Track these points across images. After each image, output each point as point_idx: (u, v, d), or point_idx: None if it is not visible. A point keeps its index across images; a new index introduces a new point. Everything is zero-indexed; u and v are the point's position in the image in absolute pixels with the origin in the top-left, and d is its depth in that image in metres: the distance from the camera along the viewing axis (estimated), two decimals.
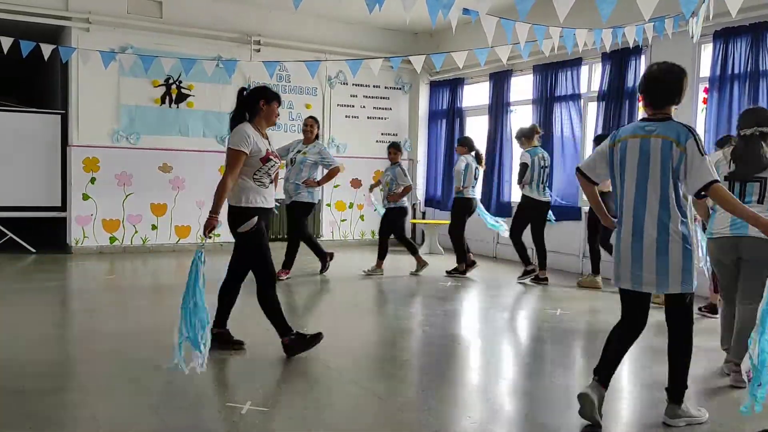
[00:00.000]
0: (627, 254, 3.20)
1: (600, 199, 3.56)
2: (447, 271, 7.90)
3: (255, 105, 4.27)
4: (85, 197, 8.89)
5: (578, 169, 3.50)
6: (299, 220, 7.12)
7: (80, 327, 5.32)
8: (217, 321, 4.44)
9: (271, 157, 4.19)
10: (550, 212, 7.70)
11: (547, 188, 7.53)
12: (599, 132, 7.95)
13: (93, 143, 8.89)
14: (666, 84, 3.22)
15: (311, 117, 7.23)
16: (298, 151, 7.05)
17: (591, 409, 3.20)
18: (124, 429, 3.10)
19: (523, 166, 7.38)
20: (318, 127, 7.17)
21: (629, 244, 3.19)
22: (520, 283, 7.47)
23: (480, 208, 8.09)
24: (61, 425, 3.17)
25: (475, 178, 7.79)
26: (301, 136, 7.28)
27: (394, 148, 7.94)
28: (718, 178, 3.11)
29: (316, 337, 4.32)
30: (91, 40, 8.52)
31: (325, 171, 7.15)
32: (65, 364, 4.21)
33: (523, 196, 7.50)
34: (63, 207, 8.94)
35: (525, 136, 7.53)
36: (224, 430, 3.09)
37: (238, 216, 4.18)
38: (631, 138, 3.21)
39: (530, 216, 7.51)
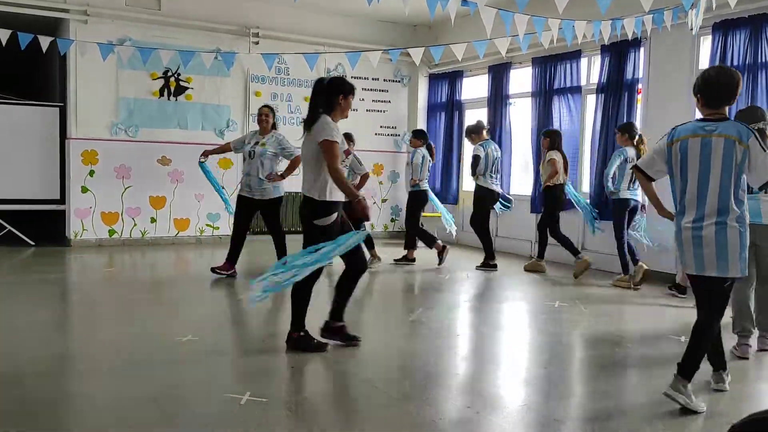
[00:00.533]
0: (689, 243, 3.48)
1: (655, 193, 3.80)
2: (395, 259, 8.23)
3: (333, 98, 4.25)
4: (84, 190, 8.88)
5: (636, 167, 3.80)
6: (275, 216, 6.85)
7: (80, 319, 5.33)
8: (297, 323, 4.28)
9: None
10: (500, 201, 8.20)
11: (497, 179, 7.98)
12: (598, 125, 7.96)
13: (91, 136, 8.88)
14: (723, 86, 3.46)
15: (266, 106, 6.92)
16: (256, 143, 6.73)
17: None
18: (123, 418, 3.11)
19: (476, 159, 7.81)
20: (274, 116, 6.87)
21: (691, 234, 3.47)
22: (479, 269, 7.85)
23: (433, 198, 8.56)
24: (60, 415, 3.19)
25: (429, 171, 8.23)
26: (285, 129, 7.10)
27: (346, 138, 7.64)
28: None
29: (319, 347, 4.27)
30: (89, 33, 8.50)
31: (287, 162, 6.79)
32: (65, 356, 4.21)
33: (478, 186, 7.92)
34: (62, 200, 8.94)
35: (473, 132, 8.04)
36: (223, 420, 3.10)
37: (321, 209, 4.12)
38: (691, 137, 3.49)
39: (487, 204, 7.92)
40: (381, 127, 11.09)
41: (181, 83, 9.34)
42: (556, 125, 8.60)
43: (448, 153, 10.67)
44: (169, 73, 9.24)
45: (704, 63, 6.93)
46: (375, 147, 10.91)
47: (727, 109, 3.51)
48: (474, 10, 4.38)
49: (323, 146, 4.03)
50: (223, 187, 7.73)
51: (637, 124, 7.58)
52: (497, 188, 7.98)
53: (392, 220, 11.27)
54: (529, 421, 3.26)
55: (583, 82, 8.42)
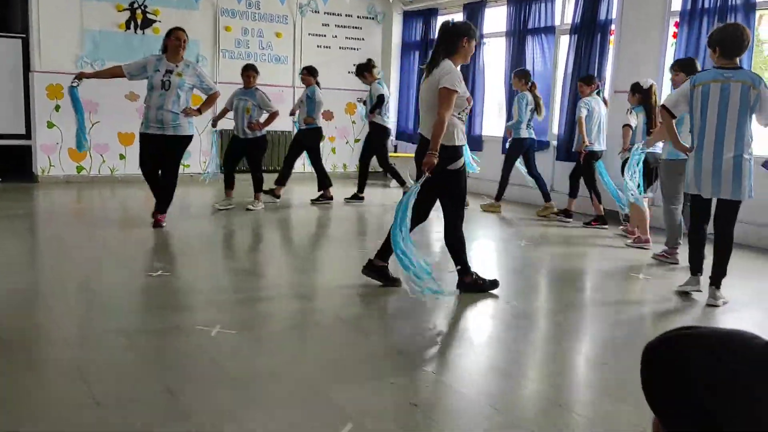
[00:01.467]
0: (708, 171, 4.09)
1: (674, 128, 4.41)
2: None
3: (457, 42, 4.09)
4: (50, 125, 8.70)
5: (663, 106, 4.39)
6: (180, 156, 6.14)
7: (49, 254, 5.32)
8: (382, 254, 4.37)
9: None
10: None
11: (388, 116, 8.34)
12: (570, 67, 7.96)
13: (56, 69, 8.64)
14: (738, 40, 4.03)
15: (179, 29, 6.02)
16: (169, 72, 5.83)
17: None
18: (94, 350, 3.17)
19: (381, 98, 7.95)
20: (186, 45, 6.02)
21: (711, 164, 4.08)
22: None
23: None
24: (31, 348, 3.23)
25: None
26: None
27: (251, 71, 7.39)
28: None
29: (493, 284, 4.34)
30: None
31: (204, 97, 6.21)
32: (36, 292, 4.23)
33: (375, 124, 8.13)
34: (27, 135, 8.75)
35: (365, 71, 8.16)
36: (193, 351, 3.18)
37: (452, 153, 4.09)
38: (713, 82, 4.09)
39: (381, 141, 8.21)
40: (354, 65, 10.93)
41: (148, 16, 9.07)
42: (529, 66, 8.58)
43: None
44: (136, 5, 8.96)
45: (676, 5, 6.93)
46: (347, 85, 10.79)
47: (738, 59, 4.10)
48: None
49: (441, 93, 3.96)
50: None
51: (608, 65, 7.62)
52: (389, 125, 8.37)
53: None
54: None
55: (557, 23, 8.37)
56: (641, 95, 6.09)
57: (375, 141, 8.18)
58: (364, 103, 8.43)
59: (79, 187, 8.54)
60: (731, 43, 4.02)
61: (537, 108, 7.54)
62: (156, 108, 5.84)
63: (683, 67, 5.31)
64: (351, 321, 3.79)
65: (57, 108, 8.69)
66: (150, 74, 5.87)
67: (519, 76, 7.64)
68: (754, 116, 4.05)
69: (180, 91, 5.88)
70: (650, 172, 5.89)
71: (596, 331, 3.84)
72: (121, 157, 9.16)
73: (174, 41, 5.89)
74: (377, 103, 7.95)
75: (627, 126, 6.27)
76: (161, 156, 5.98)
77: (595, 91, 6.95)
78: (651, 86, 6.06)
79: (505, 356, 3.35)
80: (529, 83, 7.62)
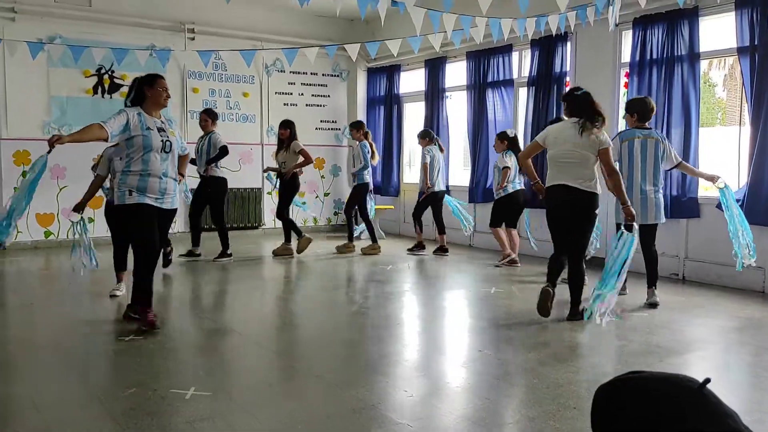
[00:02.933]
0: (637, 203, 5.35)
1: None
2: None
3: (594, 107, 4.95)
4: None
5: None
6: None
7: (18, 321, 5.26)
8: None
9: None
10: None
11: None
12: (530, 117, 8.26)
13: (23, 136, 8.67)
14: (651, 110, 5.62)
15: (161, 77, 4.92)
16: (161, 130, 4.76)
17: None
18: (67, 417, 3.15)
19: (224, 149, 7.70)
20: None
21: (641, 198, 5.44)
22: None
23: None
24: (3, 417, 3.20)
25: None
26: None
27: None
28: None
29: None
30: (17, 31, 8.29)
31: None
32: (4, 358, 4.19)
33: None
34: None
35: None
36: (168, 415, 3.18)
37: (597, 201, 5.01)
38: (636, 139, 5.53)
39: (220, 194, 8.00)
40: (321, 121, 11.17)
41: (116, 80, 9.20)
42: (490, 117, 8.88)
43: (389, 146, 10.84)
44: (103, 71, 9.09)
45: (626, 56, 7.29)
46: (316, 141, 10.98)
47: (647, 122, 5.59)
48: (403, 9, 4.53)
49: (605, 152, 4.90)
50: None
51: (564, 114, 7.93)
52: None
53: (335, 214, 11.37)
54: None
55: (515, 75, 8.70)
56: (509, 142, 7.43)
57: (214, 194, 7.78)
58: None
59: (47, 252, 8.47)
60: (646, 112, 5.56)
61: (372, 155, 8.59)
62: (159, 175, 4.69)
63: (633, 107, 5.71)
64: (325, 376, 3.82)
65: (24, 174, 8.67)
66: (141, 133, 4.63)
67: (354, 127, 8.67)
68: (662, 163, 5.54)
69: (176, 153, 4.92)
70: (521, 205, 7.49)
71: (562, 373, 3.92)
72: (90, 220, 9.11)
73: (161, 92, 4.77)
74: (217, 155, 7.67)
75: (506, 168, 7.37)
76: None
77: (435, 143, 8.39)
78: (515, 135, 7.60)
79: (476, 405, 3.41)
80: (364, 132, 8.61)
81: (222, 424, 3.06)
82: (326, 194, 11.31)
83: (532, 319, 5.10)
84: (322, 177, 11.25)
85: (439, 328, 5.15)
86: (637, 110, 5.54)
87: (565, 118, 5.22)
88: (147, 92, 4.73)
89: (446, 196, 8.56)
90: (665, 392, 0.95)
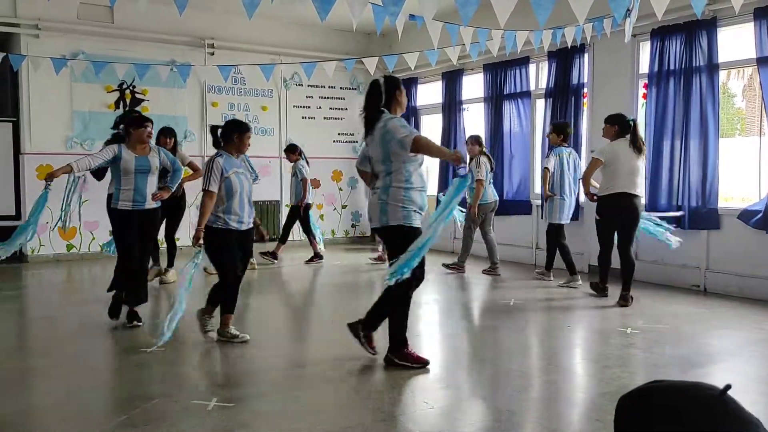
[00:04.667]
0: (565, 207, 6.98)
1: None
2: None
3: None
4: None
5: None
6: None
7: (41, 332, 5.33)
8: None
9: None
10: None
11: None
12: (547, 129, 8.25)
13: (46, 150, 8.82)
14: (571, 131, 7.03)
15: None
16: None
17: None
18: (91, 428, 3.19)
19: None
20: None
21: (567, 203, 6.93)
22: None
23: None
24: (29, 429, 3.24)
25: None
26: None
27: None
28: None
29: None
30: (41, 47, 8.45)
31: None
32: (28, 368, 4.25)
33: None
34: (17, 215, 8.83)
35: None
36: (191, 426, 3.20)
37: None
38: (564, 155, 6.91)
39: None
40: (339, 134, 11.24)
41: (137, 95, 9.33)
42: (506, 129, 8.90)
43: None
44: (124, 86, 9.23)
45: (644, 67, 7.27)
46: (334, 154, 11.05)
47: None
48: (421, 24, 4.57)
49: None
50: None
51: (584, 126, 7.93)
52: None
53: (353, 226, 11.41)
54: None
55: (532, 87, 8.71)
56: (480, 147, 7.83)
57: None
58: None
59: (69, 265, 8.58)
60: (569, 134, 7.03)
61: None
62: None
63: (562, 129, 7.08)
64: (347, 387, 3.83)
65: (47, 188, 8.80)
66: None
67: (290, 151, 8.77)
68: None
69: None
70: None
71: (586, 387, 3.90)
72: (111, 233, 9.22)
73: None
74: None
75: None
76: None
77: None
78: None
79: (496, 417, 3.40)
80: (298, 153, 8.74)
81: None
82: (344, 206, 11.35)
83: (553, 330, 5.08)
84: (340, 189, 11.30)
85: (459, 339, 5.14)
86: (563, 132, 6.97)
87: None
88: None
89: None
90: (686, 400, 0.96)
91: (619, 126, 6.07)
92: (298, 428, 3.23)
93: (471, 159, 7.69)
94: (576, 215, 7.63)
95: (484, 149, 7.80)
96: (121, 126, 5.33)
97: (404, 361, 4.10)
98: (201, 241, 4.52)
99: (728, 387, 0.96)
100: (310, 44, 10.52)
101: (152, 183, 5.25)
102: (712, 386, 0.99)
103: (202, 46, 9.69)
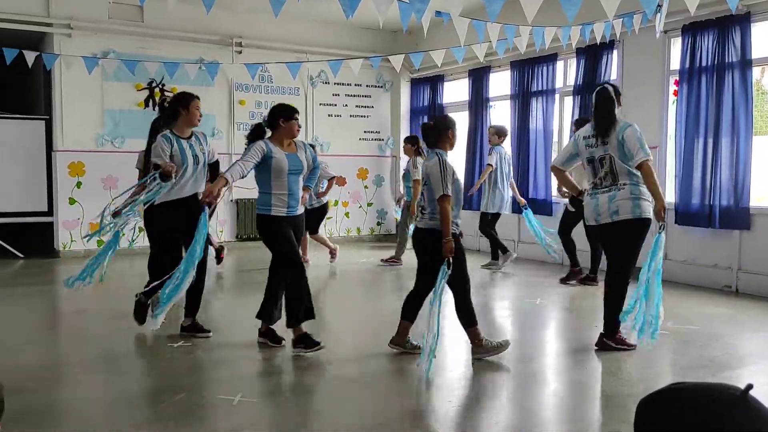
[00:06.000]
0: (499, 200, 7.80)
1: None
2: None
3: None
4: (72, 201, 8.97)
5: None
6: None
7: (71, 328, 5.43)
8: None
9: None
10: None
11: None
12: (574, 127, 8.16)
13: (78, 148, 8.98)
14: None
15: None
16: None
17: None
18: (118, 420, 3.24)
19: None
20: None
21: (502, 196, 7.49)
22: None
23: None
24: (58, 421, 3.31)
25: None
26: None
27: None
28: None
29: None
30: (73, 46, 8.60)
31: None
32: (58, 361, 4.33)
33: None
34: (50, 212, 9.01)
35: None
36: (216, 420, 3.24)
37: None
38: (504, 153, 7.72)
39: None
40: (365, 132, 11.25)
41: (166, 93, 9.44)
42: (533, 126, 8.82)
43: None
44: (154, 84, 9.35)
45: (675, 64, 7.15)
46: (359, 152, 11.07)
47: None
48: (447, 20, 4.55)
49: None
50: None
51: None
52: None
53: (378, 224, 11.42)
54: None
55: (559, 85, 8.62)
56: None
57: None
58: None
59: None
60: (506, 134, 7.75)
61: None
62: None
63: (502, 131, 8.01)
64: (372, 385, 3.83)
65: (78, 185, 8.98)
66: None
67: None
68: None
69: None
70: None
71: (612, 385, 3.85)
72: (140, 229, 9.34)
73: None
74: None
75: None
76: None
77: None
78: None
79: (521, 416, 3.37)
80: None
81: None
82: (369, 204, 11.36)
83: (580, 330, 5.03)
84: (366, 187, 11.31)
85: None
86: (504, 134, 7.97)
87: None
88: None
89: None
90: (707, 400, 0.94)
91: None
92: (321, 425, 3.24)
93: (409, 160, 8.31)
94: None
95: (422, 148, 7.94)
96: (263, 118, 4.52)
97: (619, 345, 4.44)
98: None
99: (750, 387, 0.95)
100: (336, 42, 10.54)
101: (301, 184, 4.56)
102: (734, 386, 0.97)
103: (230, 45, 9.77)
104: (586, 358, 4.44)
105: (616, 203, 4.31)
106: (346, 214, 11.04)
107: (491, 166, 7.81)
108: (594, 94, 4.65)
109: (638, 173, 4.27)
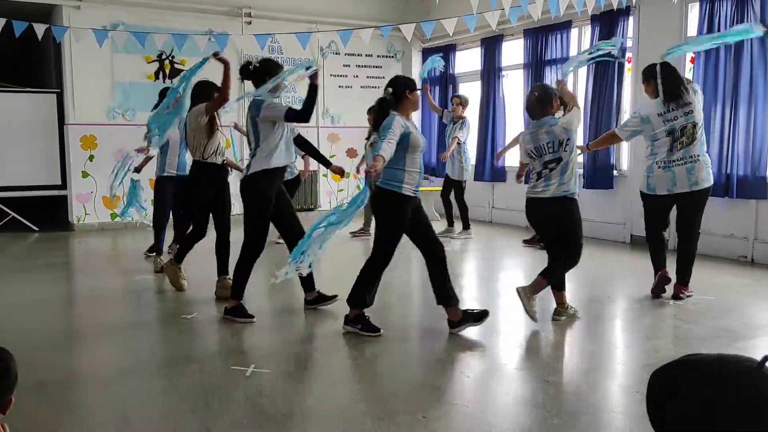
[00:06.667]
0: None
1: None
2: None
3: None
4: (85, 175, 9.00)
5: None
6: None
7: (87, 300, 5.48)
8: None
9: None
10: None
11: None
12: (590, 94, 8.04)
13: (89, 121, 8.97)
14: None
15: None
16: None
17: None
18: (133, 390, 3.28)
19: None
20: None
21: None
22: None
23: None
24: (73, 392, 3.35)
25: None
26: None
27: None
28: None
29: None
30: (82, 18, 8.54)
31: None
32: (72, 333, 4.37)
33: None
34: (63, 185, 9.06)
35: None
36: (229, 391, 3.26)
37: None
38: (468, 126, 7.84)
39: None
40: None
41: (176, 66, 9.39)
42: None
43: (443, 127, 10.73)
44: (164, 56, 9.29)
45: (692, 30, 6.99)
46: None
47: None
48: None
49: None
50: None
51: (626, 92, 7.70)
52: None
53: None
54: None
55: (573, 53, 8.47)
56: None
57: None
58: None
59: (113, 234, 8.78)
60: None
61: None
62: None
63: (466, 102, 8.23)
64: (384, 356, 3.84)
65: (91, 158, 8.99)
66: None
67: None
68: None
69: None
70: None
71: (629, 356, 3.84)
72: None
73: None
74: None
75: None
76: None
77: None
78: None
79: (534, 387, 3.37)
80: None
81: (281, 401, 3.12)
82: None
83: (593, 302, 5.00)
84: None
85: (494, 308, 5.10)
86: (468, 104, 8.23)
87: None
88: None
89: None
90: (723, 371, 0.92)
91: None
92: (335, 395, 3.25)
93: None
94: (612, 184, 7.70)
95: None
96: (388, 90, 4.09)
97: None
98: None
99: (766, 358, 0.92)
100: (346, 12, 10.40)
101: None
102: (750, 358, 0.95)
103: (239, 16, 9.67)
104: (599, 329, 4.42)
105: (695, 175, 4.73)
106: (358, 187, 10.99)
107: (459, 138, 8.09)
108: (661, 67, 4.89)
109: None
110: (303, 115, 4.36)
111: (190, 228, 5.51)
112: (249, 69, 4.77)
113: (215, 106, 5.13)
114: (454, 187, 8.31)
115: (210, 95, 5.20)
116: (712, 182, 4.86)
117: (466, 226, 8.29)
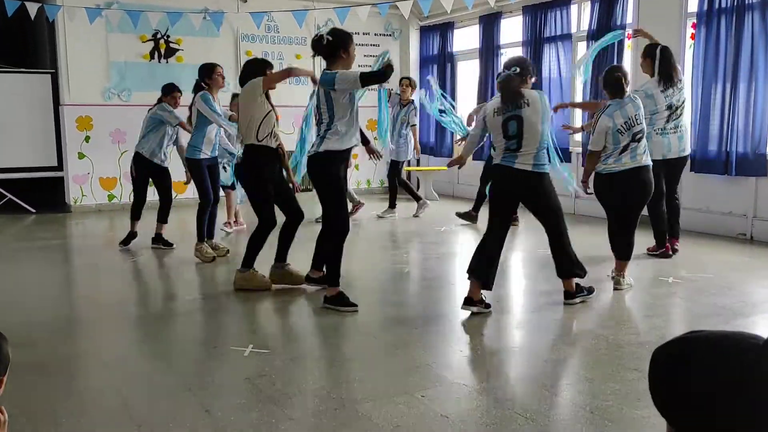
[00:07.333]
0: None
1: None
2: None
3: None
4: (81, 156, 8.95)
5: None
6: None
7: (85, 282, 5.47)
8: None
9: None
10: None
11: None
12: (589, 72, 7.96)
13: (85, 102, 8.90)
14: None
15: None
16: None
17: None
18: (133, 373, 3.27)
19: None
20: None
21: None
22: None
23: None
24: (72, 374, 3.34)
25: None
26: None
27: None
28: None
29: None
30: None
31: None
32: (72, 316, 4.37)
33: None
34: (59, 166, 9.01)
35: None
36: (228, 371, 3.26)
37: None
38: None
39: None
40: None
41: (171, 45, 9.30)
42: (546, 74, 8.61)
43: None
44: (159, 36, 9.19)
45: (693, 6, 6.91)
46: (368, 102, 10.85)
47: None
48: None
49: None
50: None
51: (627, 69, 7.61)
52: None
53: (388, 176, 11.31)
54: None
55: (573, 30, 8.39)
56: None
57: None
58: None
59: (110, 215, 8.75)
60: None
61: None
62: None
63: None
64: (380, 336, 3.84)
65: (87, 139, 8.94)
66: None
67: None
68: None
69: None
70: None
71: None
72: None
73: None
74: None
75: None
76: None
77: None
78: None
79: (533, 365, 3.37)
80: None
81: (279, 381, 3.11)
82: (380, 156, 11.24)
83: (594, 280, 4.99)
84: (375, 139, 11.16)
85: (496, 288, 5.09)
86: (416, 86, 8.39)
87: None
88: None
89: None
90: (729, 349, 0.90)
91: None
92: (333, 376, 3.25)
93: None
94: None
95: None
96: (515, 69, 4.20)
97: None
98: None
99: None
100: None
101: None
102: (756, 335, 0.93)
103: None
104: (598, 307, 4.41)
105: (683, 142, 5.51)
106: (356, 167, 10.95)
107: (416, 125, 8.40)
108: (660, 51, 5.62)
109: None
110: (378, 75, 4.37)
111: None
112: (322, 43, 4.34)
113: (278, 78, 4.86)
114: (396, 168, 8.40)
115: (262, 72, 4.80)
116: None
117: (392, 205, 8.41)
